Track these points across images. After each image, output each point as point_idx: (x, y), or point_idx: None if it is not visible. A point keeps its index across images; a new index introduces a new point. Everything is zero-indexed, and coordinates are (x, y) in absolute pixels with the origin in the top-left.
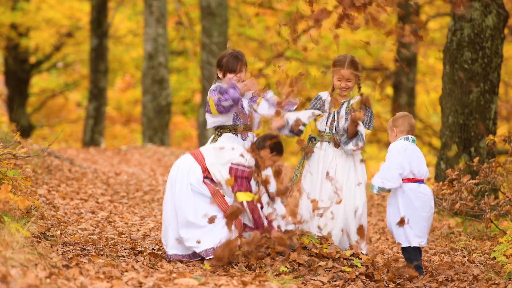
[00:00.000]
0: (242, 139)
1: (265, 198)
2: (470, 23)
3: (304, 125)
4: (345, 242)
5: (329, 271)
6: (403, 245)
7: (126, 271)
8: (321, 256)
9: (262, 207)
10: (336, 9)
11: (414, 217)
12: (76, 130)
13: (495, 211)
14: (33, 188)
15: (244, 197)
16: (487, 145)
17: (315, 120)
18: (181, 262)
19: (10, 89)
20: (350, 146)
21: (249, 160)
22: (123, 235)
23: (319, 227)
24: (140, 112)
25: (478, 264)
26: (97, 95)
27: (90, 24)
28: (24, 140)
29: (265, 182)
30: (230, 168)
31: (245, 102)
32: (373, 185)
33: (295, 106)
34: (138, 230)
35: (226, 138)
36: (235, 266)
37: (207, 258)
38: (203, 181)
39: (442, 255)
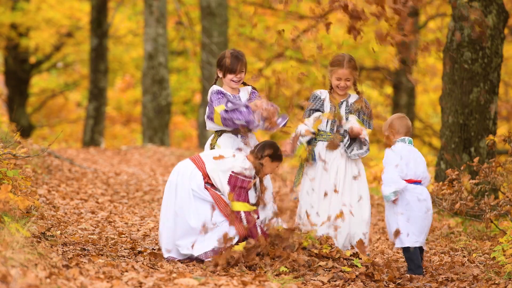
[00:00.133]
0: (242, 139)
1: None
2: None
3: (314, 133)
4: (348, 246)
5: (329, 271)
6: (396, 246)
7: (126, 271)
8: (321, 256)
9: (258, 217)
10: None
11: (410, 218)
12: (76, 130)
13: (495, 211)
14: (33, 188)
15: (241, 207)
16: (487, 145)
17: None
18: (181, 262)
19: (10, 89)
20: (355, 151)
21: (249, 169)
22: (123, 235)
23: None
24: (140, 112)
25: (478, 264)
26: (97, 95)
27: (90, 24)
28: (24, 140)
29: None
30: (231, 177)
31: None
32: (384, 195)
33: (287, 119)
34: (138, 230)
35: (226, 138)
36: (235, 266)
37: (206, 260)
38: (204, 186)
39: (442, 255)
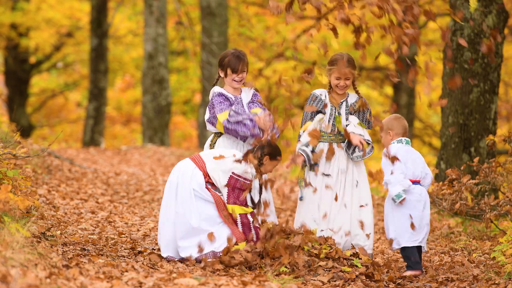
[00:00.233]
0: (241, 139)
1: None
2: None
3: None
4: (348, 245)
5: (329, 271)
6: (394, 248)
7: (126, 271)
8: (321, 256)
9: (254, 220)
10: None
11: (406, 217)
12: (76, 130)
13: (495, 211)
14: (33, 188)
15: (238, 210)
16: (487, 145)
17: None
18: (181, 262)
19: (10, 89)
20: (357, 153)
21: (250, 169)
22: (123, 235)
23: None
24: (140, 112)
25: (478, 264)
26: (97, 95)
27: (90, 24)
28: (24, 140)
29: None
30: (231, 177)
31: (245, 106)
32: (394, 195)
33: (278, 134)
34: (138, 230)
35: (225, 138)
36: (235, 267)
37: (208, 260)
38: (205, 186)
39: (442, 255)
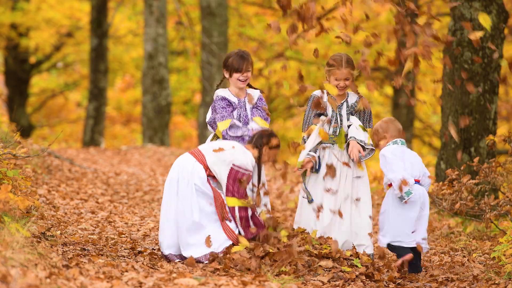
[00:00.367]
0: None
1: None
2: (470, 23)
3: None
4: (349, 245)
5: (329, 271)
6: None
7: (126, 271)
8: (321, 256)
9: (254, 212)
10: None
11: (403, 217)
12: (76, 130)
13: (495, 211)
14: (33, 188)
15: (235, 202)
16: (487, 145)
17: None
18: (181, 263)
19: (10, 89)
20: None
21: (251, 160)
22: (123, 235)
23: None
24: (140, 112)
25: (478, 264)
26: (97, 95)
27: (90, 24)
28: (24, 140)
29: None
30: (231, 169)
31: (248, 110)
32: (402, 195)
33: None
34: (138, 230)
35: None
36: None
37: (205, 261)
38: (207, 180)
39: (442, 255)
